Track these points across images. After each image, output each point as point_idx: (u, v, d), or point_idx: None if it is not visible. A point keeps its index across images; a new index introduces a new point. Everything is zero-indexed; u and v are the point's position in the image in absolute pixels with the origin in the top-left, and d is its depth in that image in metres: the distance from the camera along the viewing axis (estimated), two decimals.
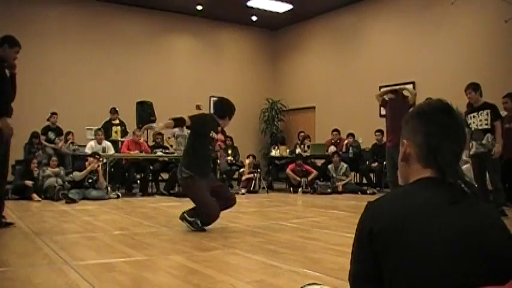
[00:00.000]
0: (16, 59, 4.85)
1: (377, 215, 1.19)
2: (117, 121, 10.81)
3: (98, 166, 8.50)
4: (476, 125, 6.38)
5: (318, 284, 1.13)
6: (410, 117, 1.36)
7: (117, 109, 10.76)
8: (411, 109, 1.42)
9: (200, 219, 4.93)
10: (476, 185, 6.48)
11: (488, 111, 6.30)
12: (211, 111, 5.58)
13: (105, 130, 10.22)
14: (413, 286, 1.07)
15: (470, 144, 6.49)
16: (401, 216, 1.15)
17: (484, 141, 6.30)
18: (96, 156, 8.62)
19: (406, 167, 1.34)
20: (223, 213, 5.26)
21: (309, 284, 1.14)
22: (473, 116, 6.43)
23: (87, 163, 8.49)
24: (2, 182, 4.98)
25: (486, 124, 6.31)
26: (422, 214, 1.15)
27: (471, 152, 6.53)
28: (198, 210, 4.94)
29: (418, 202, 1.18)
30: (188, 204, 5.28)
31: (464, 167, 7.46)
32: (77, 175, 8.36)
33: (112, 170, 9.55)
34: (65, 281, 2.82)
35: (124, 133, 10.83)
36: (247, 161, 10.81)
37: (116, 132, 10.70)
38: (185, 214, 4.97)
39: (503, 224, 1.22)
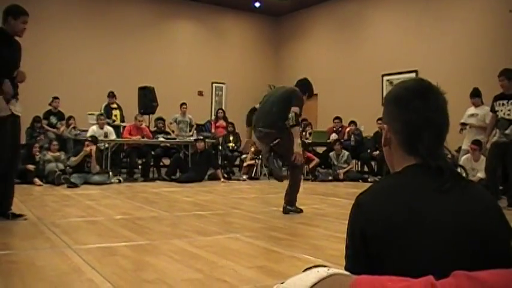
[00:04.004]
0: (25, 29, 4.30)
1: (369, 215, 1.16)
2: (115, 105, 10.79)
3: (91, 150, 8.44)
4: (504, 114, 6.11)
5: (324, 266, 1.13)
6: (388, 102, 1.30)
7: (114, 93, 10.74)
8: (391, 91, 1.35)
9: (296, 179, 5.19)
10: (486, 174, 6.41)
11: None
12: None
13: (106, 114, 10.23)
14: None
15: (494, 132, 6.26)
16: (394, 217, 1.12)
17: (507, 131, 6.01)
18: (89, 139, 8.59)
19: (390, 153, 1.31)
20: (225, 199, 5.29)
21: (315, 266, 1.14)
22: (502, 104, 6.15)
23: (85, 148, 8.45)
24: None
25: None
26: (416, 211, 1.12)
27: (493, 140, 6.28)
28: (295, 165, 5.09)
29: (410, 198, 1.15)
30: (188, 189, 5.29)
31: (464, 157, 7.44)
32: (72, 160, 8.36)
33: (112, 154, 9.56)
34: (67, 264, 2.84)
35: (122, 117, 10.84)
36: (252, 149, 10.80)
37: (116, 116, 10.69)
38: (287, 207, 5.18)
39: (497, 206, 1.19)
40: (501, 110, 6.17)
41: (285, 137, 5.01)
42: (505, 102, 6.16)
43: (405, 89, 1.28)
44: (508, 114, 6.10)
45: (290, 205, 5.18)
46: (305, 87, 5.56)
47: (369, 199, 1.20)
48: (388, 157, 1.33)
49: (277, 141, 5.08)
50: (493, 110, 6.37)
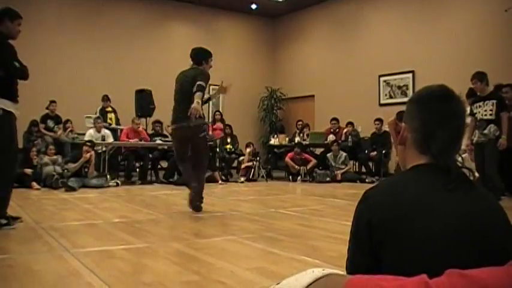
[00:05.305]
0: (20, 31, 4.31)
1: (375, 206, 1.20)
2: (109, 108, 10.79)
3: (91, 156, 8.45)
4: (481, 115, 6.27)
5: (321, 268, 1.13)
6: (409, 102, 1.37)
7: (109, 96, 10.74)
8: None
9: (201, 178, 5.18)
10: (478, 174, 6.49)
11: (495, 101, 6.19)
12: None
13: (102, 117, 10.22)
14: (414, 273, 1.08)
15: (474, 133, 6.42)
16: (399, 208, 1.16)
17: (485, 131, 6.21)
18: (87, 143, 8.59)
19: (404, 151, 1.36)
20: (223, 201, 5.29)
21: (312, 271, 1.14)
22: (479, 106, 6.32)
23: (85, 155, 8.43)
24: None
25: (491, 115, 6.20)
26: (420, 204, 1.16)
27: (473, 141, 6.46)
28: (203, 164, 5.15)
29: (416, 192, 1.19)
30: (186, 192, 5.29)
31: (463, 156, 7.48)
32: (71, 167, 8.34)
33: (110, 158, 9.54)
34: (65, 268, 2.84)
35: (117, 120, 10.83)
36: (247, 150, 10.82)
37: (111, 119, 10.69)
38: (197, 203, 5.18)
39: (500, 207, 1.22)
40: (479, 112, 6.36)
41: (195, 131, 5.03)
42: (480, 103, 6.35)
43: (426, 91, 1.34)
44: (485, 115, 6.27)
45: (200, 202, 5.24)
46: (203, 56, 5.80)
47: (375, 193, 1.25)
48: (402, 156, 1.38)
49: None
50: (471, 113, 6.51)
